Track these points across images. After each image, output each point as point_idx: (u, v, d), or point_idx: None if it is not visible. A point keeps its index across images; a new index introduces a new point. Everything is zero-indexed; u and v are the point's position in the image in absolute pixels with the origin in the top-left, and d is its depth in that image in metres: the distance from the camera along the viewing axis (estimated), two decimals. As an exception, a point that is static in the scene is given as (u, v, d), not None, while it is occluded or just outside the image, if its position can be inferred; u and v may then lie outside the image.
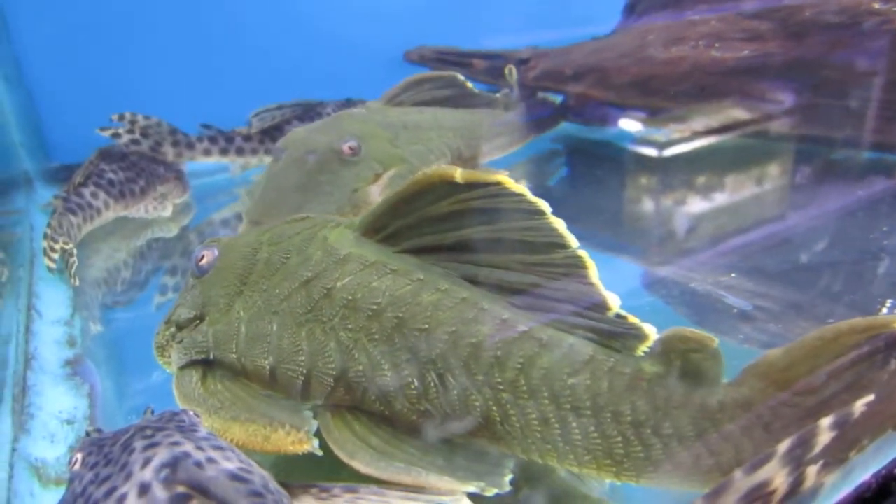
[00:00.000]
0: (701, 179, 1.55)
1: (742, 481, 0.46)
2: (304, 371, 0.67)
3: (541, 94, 1.76)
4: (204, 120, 1.91)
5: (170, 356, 0.78)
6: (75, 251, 1.28)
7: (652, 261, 1.28)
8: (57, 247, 1.26)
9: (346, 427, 0.65)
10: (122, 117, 1.61)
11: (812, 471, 0.49)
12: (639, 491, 0.66)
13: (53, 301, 1.19)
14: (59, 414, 0.86)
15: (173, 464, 0.46)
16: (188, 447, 0.48)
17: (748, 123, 1.43)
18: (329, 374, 0.66)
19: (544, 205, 0.66)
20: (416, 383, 0.64)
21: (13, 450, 0.77)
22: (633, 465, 0.60)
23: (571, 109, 1.76)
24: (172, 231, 1.61)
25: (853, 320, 0.59)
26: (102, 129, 1.60)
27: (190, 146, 1.69)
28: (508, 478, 0.61)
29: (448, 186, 0.67)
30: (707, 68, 1.39)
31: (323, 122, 1.40)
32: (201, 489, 0.42)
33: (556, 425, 0.62)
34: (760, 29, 1.40)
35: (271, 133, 1.79)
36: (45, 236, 1.26)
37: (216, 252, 0.79)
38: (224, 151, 1.75)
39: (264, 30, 2.06)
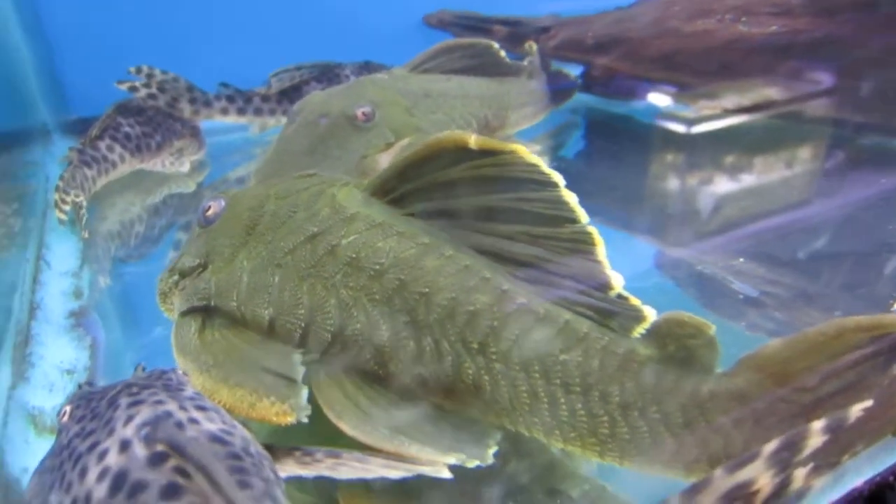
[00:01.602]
0: (723, 160, 1.52)
1: (723, 480, 0.45)
2: (303, 325, 0.67)
3: (556, 66, 1.73)
4: (224, 77, 1.91)
5: (172, 303, 0.79)
6: (85, 204, 1.29)
7: (665, 240, 1.27)
8: (68, 199, 1.26)
9: (337, 386, 0.65)
10: (139, 70, 1.60)
11: (800, 473, 0.48)
12: (628, 472, 0.65)
13: (63, 253, 1.20)
14: (60, 364, 0.87)
15: (154, 422, 0.46)
16: (171, 406, 0.48)
17: (772, 105, 1.40)
18: (327, 330, 0.67)
19: (558, 177, 0.65)
20: (412, 346, 0.64)
21: (9, 397, 0.78)
22: (617, 446, 0.60)
23: (592, 81, 1.73)
24: (189, 187, 1.61)
25: (859, 317, 0.57)
26: (120, 82, 1.59)
27: (207, 104, 1.69)
28: (492, 450, 0.61)
29: (461, 152, 0.66)
30: (732, 44, 1.36)
31: (343, 87, 1.39)
32: (179, 449, 0.43)
33: (545, 400, 0.61)
34: (791, 3, 1.36)
35: (289, 94, 1.78)
36: (57, 189, 1.27)
37: (223, 203, 0.80)
38: (241, 111, 1.75)
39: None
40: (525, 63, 1.60)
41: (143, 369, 0.62)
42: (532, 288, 0.64)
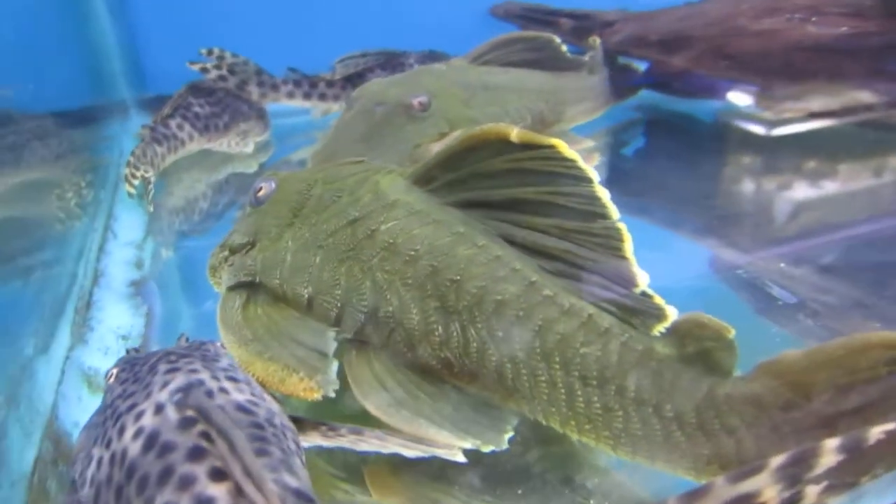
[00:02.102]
0: (790, 164, 1.49)
1: (724, 489, 0.44)
2: (339, 304, 0.70)
3: (623, 60, 1.71)
4: (293, 60, 1.97)
5: (221, 277, 0.83)
6: (153, 179, 1.35)
7: (722, 243, 1.26)
8: (138, 174, 1.33)
9: (366, 365, 0.68)
10: (210, 52, 1.67)
11: (813, 490, 0.46)
12: (647, 468, 0.66)
13: (129, 224, 1.27)
14: (118, 329, 0.93)
15: (187, 389, 0.50)
16: (204, 375, 0.52)
17: (862, 110, 1.36)
18: (361, 311, 0.69)
19: (593, 173, 0.66)
20: (441, 331, 0.67)
21: (67, 357, 0.84)
22: (630, 441, 0.61)
23: (657, 78, 1.72)
24: (252, 167, 1.67)
25: (884, 333, 0.56)
26: (192, 62, 1.66)
27: (274, 88, 1.74)
28: (508, 435, 0.63)
29: (502, 145, 0.68)
30: (800, 44, 1.32)
31: (402, 76, 1.42)
32: (205, 415, 0.46)
33: (563, 390, 0.63)
34: (863, 4, 1.32)
35: (353, 80, 1.82)
36: (128, 164, 1.33)
37: (273, 185, 0.84)
38: (307, 95, 1.80)
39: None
40: (586, 58, 1.60)
41: (187, 339, 0.66)
42: (560, 281, 0.66)
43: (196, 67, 1.65)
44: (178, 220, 1.42)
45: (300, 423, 0.60)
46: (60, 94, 1.78)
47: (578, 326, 0.63)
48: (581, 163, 0.66)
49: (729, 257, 1.20)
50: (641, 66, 1.74)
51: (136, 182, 1.31)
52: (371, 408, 0.64)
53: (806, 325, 1.00)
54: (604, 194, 0.65)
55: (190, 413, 0.48)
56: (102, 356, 0.87)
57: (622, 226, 0.65)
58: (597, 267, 0.65)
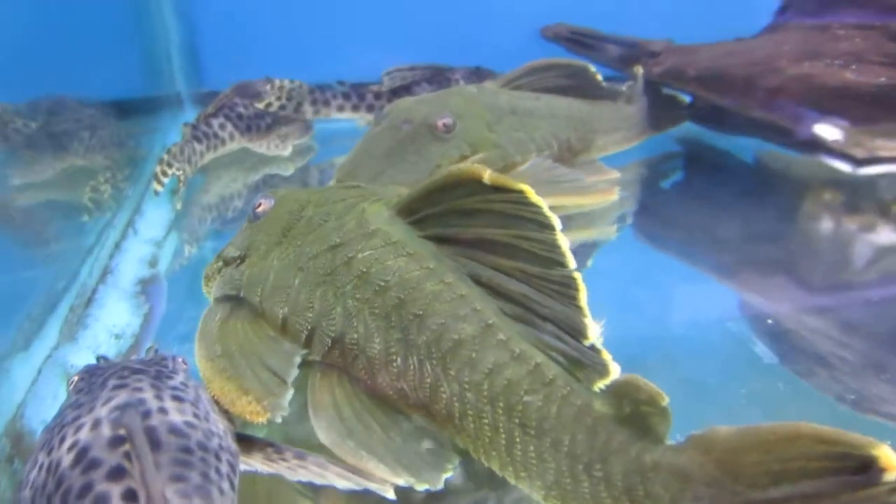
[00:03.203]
0: (824, 204, 1.45)
1: None
2: (310, 327, 0.73)
3: (668, 91, 1.69)
4: (343, 64, 2.02)
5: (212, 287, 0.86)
6: (186, 177, 1.39)
7: (747, 286, 1.23)
8: (169, 171, 1.37)
9: (328, 389, 0.70)
10: (272, 85, 1.71)
11: None
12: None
13: (154, 221, 1.31)
14: (112, 328, 0.95)
15: (124, 407, 0.52)
16: (147, 395, 0.55)
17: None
18: (329, 335, 0.72)
19: (556, 220, 0.67)
20: (399, 362, 0.68)
21: (48, 356, 0.86)
22: (560, 493, 0.61)
23: (697, 111, 1.69)
24: (288, 170, 1.71)
25: (822, 428, 0.54)
26: (259, 101, 1.70)
27: (326, 103, 1.79)
28: (446, 475, 0.64)
29: (477, 185, 0.69)
30: (838, 91, 1.29)
31: (432, 95, 1.43)
32: (130, 436, 0.48)
33: (504, 435, 0.64)
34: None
35: (400, 93, 1.85)
36: (161, 161, 1.37)
37: (272, 202, 0.87)
38: (356, 108, 1.84)
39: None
40: (624, 87, 1.58)
41: (155, 351, 0.69)
42: (516, 325, 0.67)
43: (263, 105, 1.70)
44: (209, 218, 1.46)
45: (248, 443, 0.62)
46: (119, 85, 1.87)
47: (525, 374, 0.64)
48: (546, 209, 0.66)
49: (755, 302, 1.18)
50: (686, 98, 1.72)
51: (165, 180, 1.35)
52: (320, 434, 0.66)
53: (821, 376, 0.98)
54: (564, 242, 0.66)
55: (121, 432, 0.50)
56: (89, 354, 0.89)
57: (578, 275, 0.65)
58: (552, 314, 0.66)
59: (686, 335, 0.98)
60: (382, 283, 0.70)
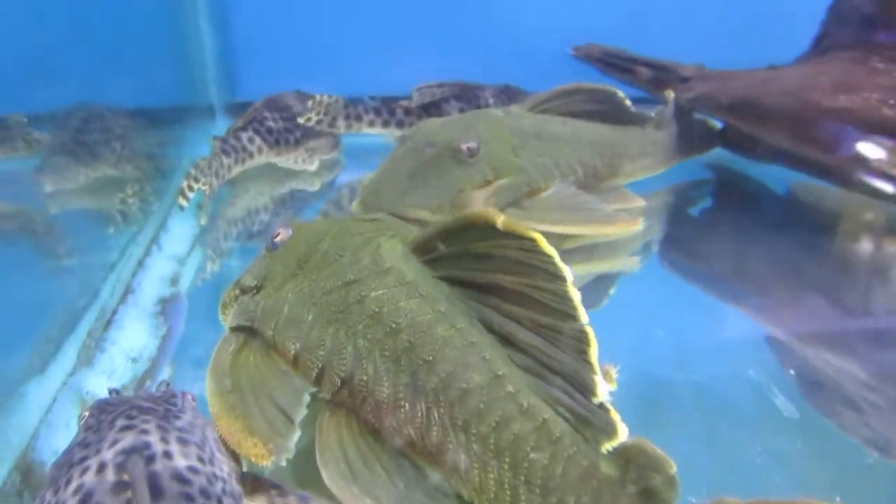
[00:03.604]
0: (858, 246, 1.42)
1: None
2: (320, 365, 0.73)
3: (699, 116, 1.67)
4: (376, 77, 2.03)
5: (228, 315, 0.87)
6: (212, 191, 1.39)
7: (771, 323, 1.21)
8: (196, 186, 1.38)
9: (335, 430, 0.70)
10: (313, 100, 1.72)
11: None
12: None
13: (179, 237, 1.31)
14: (129, 351, 0.95)
15: (130, 451, 0.53)
16: (153, 437, 0.55)
17: None
18: (338, 375, 0.71)
19: (567, 272, 0.66)
20: (407, 408, 0.68)
21: (64, 383, 0.86)
22: None
23: (729, 137, 1.67)
24: (315, 185, 1.72)
25: None
26: (301, 116, 1.71)
27: (358, 118, 1.80)
28: None
29: (490, 229, 0.69)
30: (871, 128, 1.26)
31: (458, 118, 1.43)
32: (133, 483, 0.49)
33: (508, 491, 0.63)
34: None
35: (429, 109, 1.86)
36: (188, 175, 1.38)
37: (290, 232, 0.87)
38: (386, 123, 1.85)
39: (439, 5, 2.11)
40: (653, 113, 1.57)
41: (167, 386, 0.70)
42: (525, 377, 0.66)
43: (303, 120, 1.71)
44: (234, 233, 1.47)
45: (253, 484, 0.63)
46: (152, 93, 1.89)
47: (532, 429, 0.63)
48: (557, 260, 0.65)
49: (779, 341, 1.16)
50: (718, 124, 1.70)
51: (190, 195, 1.36)
52: (324, 476, 0.65)
53: (847, 418, 0.96)
54: (575, 295, 0.65)
55: (125, 477, 0.50)
56: (106, 379, 0.89)
57: (589, 330, 0.64)
58: (561, 368, 0.65)
59: (704, 380, 0.96)
60: (394, 325, 0.70)
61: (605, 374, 0.75)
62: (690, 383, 0.94)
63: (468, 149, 1.27)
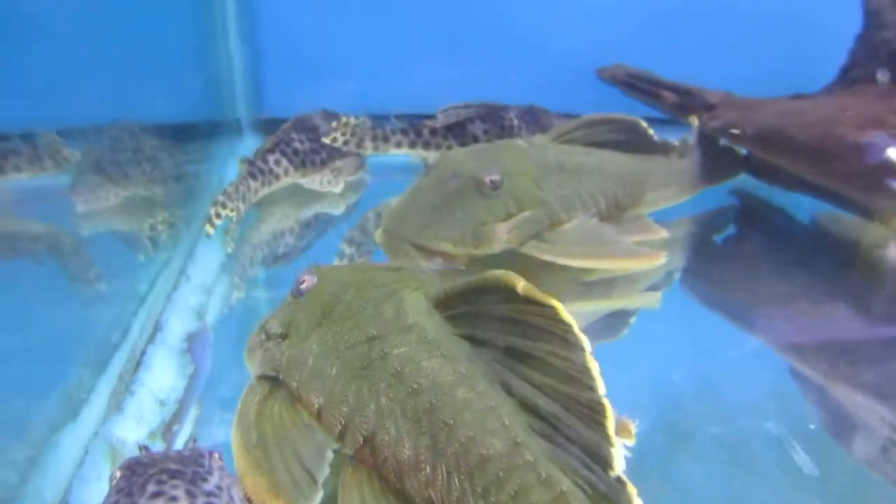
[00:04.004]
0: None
1: None
2: (343, 422, 0.74)
3: (725, 142, 1.66)
4: (401, 95, 2.05)
5: (254, 360, 0.88)
6: (235, 217, 1.40)
7: (799, 354, 1.21)
8: (223, 213, 1.40)
9: (357, 488, 0.71)
10: (338, 122, 1.73)
11: None
12: None
13: (206, 265, 1.33)
14: (158, 393, 0.96)
15: None
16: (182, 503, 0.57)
17: None
18: (360, 433, 0.73)
19: (586, 342, 0.66)
20: (428, 470, 0.69)
21: (95, 433, 0.87)
22: None
23: (754, 164, 1.66)
24: (339, 209, 1.74)
25: None
26: (326, 136, 1.73)
27: (385, 139, 1.81)
28: None
29: (511, 292, 0.70)
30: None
31: (481, 148, 1.44)
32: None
33: None
34: None
35: (454, 129, 1.87)
36: (215, 203, 1.39)
37: (315, 280, 0.88)
38: (413, 144, 1.86)
39: (465, 25, 2.12)
40: (677, 143, 1.57)
41: (194, 442, 0.72)
42: (544, 444, 0.67)
43: (328, 140, 1.72)
44: (260, 257, 1.50)
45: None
46: (180, 108, 1.93)
47: (551, 500, 0.63)
48: (576, 329, 0.66)
49: (804, 376, 1.16)
50: (743, 150, 1.69)
51: (218, 222, 1.38)
52: None
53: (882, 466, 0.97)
54: (594, 366, 0.65)
55: None
56: (135, 426, 0.90)
57: (606, 402, 0.65)
58: (579, 438, 0.65)
59: (723, 433, 0.96)
60: (416, 385, 0.71)
61: (623, 429, 0.76)
62: (709, 436, 0.95)
63: (491, 181, 1.28)
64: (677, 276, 1.45)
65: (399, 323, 0.76)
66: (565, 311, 0.67)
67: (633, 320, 1.32)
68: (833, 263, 1.48)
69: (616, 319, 1.31)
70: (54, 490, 0.79)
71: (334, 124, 1.73)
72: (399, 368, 0.73)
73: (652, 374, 1.10)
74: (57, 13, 1.49)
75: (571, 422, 0.66)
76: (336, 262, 1.48)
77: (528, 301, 0.68)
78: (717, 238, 1.63)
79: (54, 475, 0.80)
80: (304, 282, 0.89)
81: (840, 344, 1.26)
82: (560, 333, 0.67)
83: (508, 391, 0.70)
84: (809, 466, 0.87)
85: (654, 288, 1.39)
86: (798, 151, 1.40)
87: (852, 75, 1.49)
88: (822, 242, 1.58)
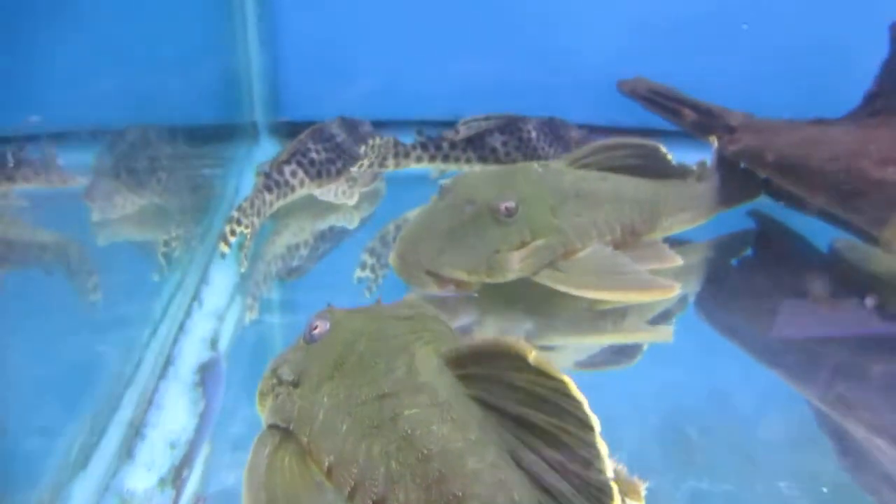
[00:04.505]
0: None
1: None
2: (353, 483, 0.74)
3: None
4: (421, 101, 2.05)
5: (265, 404, 0.89)
6: (250, 233, 1.39)
7: (816, 389, 1.20)
8: (238, 229, 1.39)
9: None
10: (366, 146, 1.73)
11: None
12: None
13: (219, 288, 1.31)
14: (169, 434, 0.94)
15: None
16: None
17: None
18: (370, 497, 0.72)
19: (596, 422, 0.67)
20: None
21: (106, 486, 0.85)
22: None
23: (773, 187, 1.64)
24: (354, 222, 1.73)
25: None
26: (356, 166, 1.73)
27: (406, 155, 1.81)
28: None
29: (522, 360, 0.70)
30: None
31: (495, 173, 1.43)
32: None
33: None
34: None
35: (473, 141, 1.87)
36: (230, 220, 1.37)
37: (328, 326, 0.89)
38: (433, 158, 1.86)
39: (486, 31, 2.10)
40: (695, 167, 1.55)
41: (204, 502, 0.72)
42: None
43: (357, 169, 1.73)
44: (274, 271, 1.50)
45: None
46: (196, 110, 1.92)
47: None
48: (586, 408, 0.66)
49: (823, 407, 1.15)
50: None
51: (232, 240, 1.37)
52: None
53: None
54: (603, 447, 0.65)
55: None
56: (145, 472, 0.88)
57: (615, 486, 0.65)
58: (587, 520, 0.65)
59: (733, 491, 0.96)
60: (426, 451, 0.71)
61: (632, 490, 0.76)
62: (719, 495, 0.94)
63: (507, 208, 1.28)
64: (691, 300, 1.45)
65: (410, 382, 0.76)
66: (576, 388, 0.67)
67: (645, 347, 1.32)
68: (849, 292, 1.47)
69: (629, 345, 1.32)
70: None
71: (363, 150, 1.72)
72: (410, 431, 0.73)
73: (661, 422, 1.10)
74: (72, 10, 1.48)
75: (578, 500, 0.66)
76: (358, 272, 1.49)
77: (540, 372, 0.68)
78: (732, 262, 1.62)
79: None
80: (316, 327, 0.89)
81: (853, 372, 1.25)
82: (570, 410, 0.67)
83: (518, 463, 0.70)
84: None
85: (667, 313, 1.38)
86: (818, 183, 1.38)
87: (876, 105, 1.46)
88: (838, 270, 1.56)
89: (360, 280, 1.47)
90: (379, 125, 2.02)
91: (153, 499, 0.84)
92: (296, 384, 0.85)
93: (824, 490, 0.94)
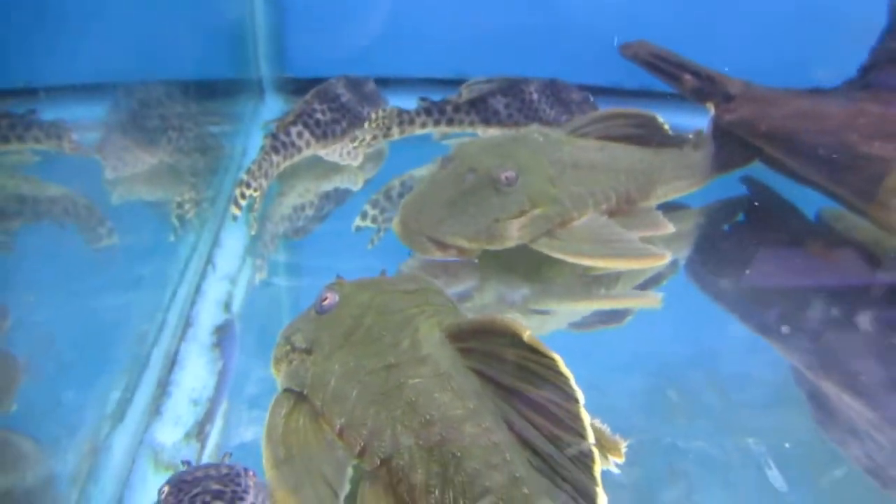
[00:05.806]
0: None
1: None
2: (363, 443, 0.83)
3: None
4: (418, 63, 2.09)
5: (280, 370, 0.97)
6: (259, 196, 1.43)
7: (804, 357, 1.26)
8: (248, 192, 1.44)
9: (374, 502, 0.80)
10: (370, 121, 1.76)
11: None
12: None
13: (231, 251, 1.38)
14: (191, 392, 1.02)
15: None
16: None
17: None
18: (378, 455, 0.81)
19: (580, 395, 0.75)
20: (437, 495, 0.77)
21: (140, 441, 0.93)
22: None
23: (767, 154, 1.68)
24: (358, 184, 1.77)
25: None
26: (357, 142, 1.77)
27: (411, 122, 1.84)
28: None
29: (517, 338, 0.78)
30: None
31: (497, 142, 1.48)
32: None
33: None
34: None
35: (476, 104, 1.89)
36: (240, 182, 1.42)
37: (337, 298, 0.96)
38: (437, 122, 1.89)
39: None
40: (691, 136, 1.59)
41: (229, 456, 0.80)
42: (540, 480, 0.75)
43: (358, 145, 1.77)
44: (281, 231, 1.55)
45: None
46: (201, 65, 1.93)
47: None
48: (573, 383, 0.74)
49: (802, 367, 1.22)
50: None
51: (243, 203, 1.42)
52: None
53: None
54: (586, 417, 0.73)
55: None
56: (172, 427, 0.95)
57: (595, 450, 0.73)
58: (571, 478, 0.73)
59: (706, 448, 1.03)
60: (428, 417, 0.79)
61: (614, 448, 0.85)
62: (691, 450, 1.02)
63: (507, 178, 1.33)
64: (682, 264, 1.51)
65: (414, 353, 0.84)
66: (564, 365, 0.74)
67: (636, 310, 1.39)
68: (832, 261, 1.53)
69: (620, 309, 1.38)
70: (109, 496, 0.86)
71: (366, 125, 1.75)
72: (413, 399, 0.81)
73: (645, 384, 1.17)
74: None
75: (564, 462, 0.74)
76: (357, 221, 1.56)
77: (532, 350, 0.76)
78: (723, 229, 1.68)
79: (106, 484, 0.86)
80: (326, 299, 0.96)
81: (835, 335, 1.32)
82: (558, 384, 0.74)
83: (511, 428, 0.78)
84: (780, 482, 0.95)
85: (658, 278, 1.45)
86: (809, 156, 1.43)
87: (870, 77, 1.50)
88: (823, 238, 1.62)
89: (357, 229, 1.52)
90: (384, 82, 2.04)
91: (181, 451, 0.92)
92: (308, 352, 0.93)
93: (786, 445, 1.02)
